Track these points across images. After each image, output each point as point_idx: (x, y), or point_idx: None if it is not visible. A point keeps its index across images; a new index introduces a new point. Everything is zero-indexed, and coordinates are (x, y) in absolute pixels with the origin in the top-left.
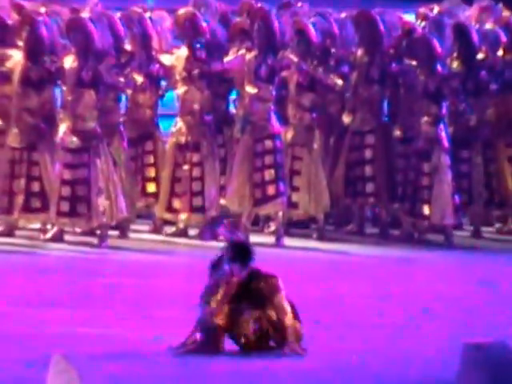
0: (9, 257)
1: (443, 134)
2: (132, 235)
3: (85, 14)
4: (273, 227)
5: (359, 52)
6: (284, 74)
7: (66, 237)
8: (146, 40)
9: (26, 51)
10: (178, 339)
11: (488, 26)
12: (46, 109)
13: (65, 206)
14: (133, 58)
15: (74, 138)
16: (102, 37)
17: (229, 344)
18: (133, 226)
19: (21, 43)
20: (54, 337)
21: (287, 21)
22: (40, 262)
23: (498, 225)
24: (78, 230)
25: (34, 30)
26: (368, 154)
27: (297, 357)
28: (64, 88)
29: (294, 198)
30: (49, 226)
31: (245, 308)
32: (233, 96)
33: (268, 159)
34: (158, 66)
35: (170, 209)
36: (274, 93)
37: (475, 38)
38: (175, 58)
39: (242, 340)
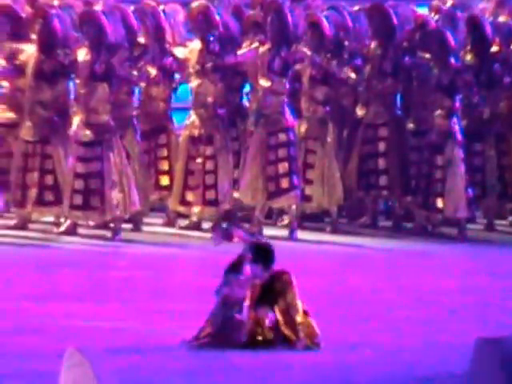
0: (22, 250)
1: (456, 127)
2: (145, 228)
3: (98, 7)
4: (286, 220)
5: (372, 45)
6: (297, 67)
7: (79, 230)
8: (159, 33)
9: (39, 44)
10: (192, 332)
11: (501, 18)
12: (59, 102)
13: (78, 200)
14: (146, 51)
15: (88, 132)
16: (114, 30)
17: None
18: (146, 219)
19: (34, 36)
20: (67, 330)
21: (300, 14)
22: (53, 255)
23: (511, 218)
24: (91, 223)
25: (47, 23)
26: (381, 146)
27: (310, 351)
28: (77, 81)
29: (308, 191)
30: (62, 220)
31: (259, 305)
32: (246, 89)
33: (282, 152)
34: (171, 59)
35: (183, 202)
36: (287, 86)
37: (488, 30)
38: (188, 51)
39: (259, 338)
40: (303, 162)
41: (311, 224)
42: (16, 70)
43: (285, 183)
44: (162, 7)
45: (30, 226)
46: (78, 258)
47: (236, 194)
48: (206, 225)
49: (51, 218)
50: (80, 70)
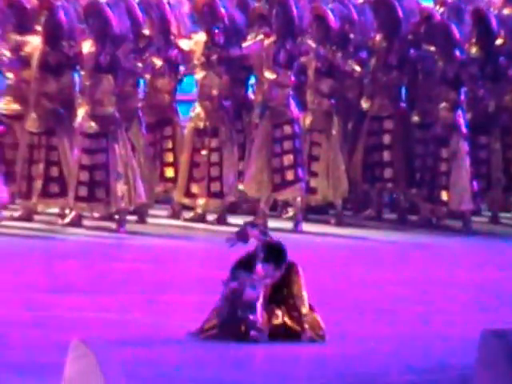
0: (27, 241)
1: (461, 120)
2: (150, 220)
3: None
4: (291, 212)
5: (378, 38)
6: (302, 59)
7: (85, 222)
8: (164, 25)
9: (45, 36)
10: (197, 324)
11: (506, 11)
12: (65, 94)
13: (83, 191)
14: (151, 43)
15: (93, 123)
16: (119, 22)
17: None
18: (151, 211)
19: (39, 28)
20: (72, 322)
21: (306, 6)
22: (58, 246)
23: None
24: (96, 214)
25: (52, 15)
26: (386, 139)
27: (315, 343)
28: (82, 73)
29: (313, 183)
30: (67, 211)
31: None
32: (252, 81)
33: (287, 144)
34: (176, 51)
35: (188, 194)
36: (292, 78)
37: (494, 23)
38: (194, 43)
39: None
40: (308, 154)
41: (316, 216)
42: (21, 61)
43: (290, 175)
44: None
45: (36, 217)
46: (83, 249)
47: (241, 186)
48: (210, 217)
49: (56, 210)
50: (85, 62)
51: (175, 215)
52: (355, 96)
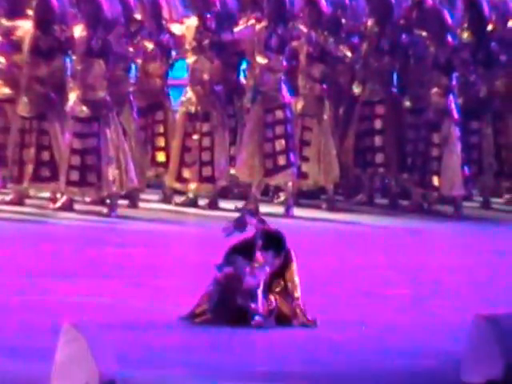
0: (19, 226)
1: (453, 105)
2: (142, 205)
3: None
4: (282, 197)
5: (369, 23)
6: (294, 44)
7: (76, 206)
8: (155, 9)
9: (36, 20)
10: (188, 309)
11: None
12: (56, 78)
13: (74, 176)
14: (142, 28)
15: (84, 108)
16: (111, 6)
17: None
18: (142, 196)
19: (31, 12)
20: (63, 306)
21: None
22: (49, 231)
23: (507, 196)
24: (87, 199)
25: (43, 0)
26: (378, 124)
27: (306, 328)
28: (74, 57)
29: (304, 168)
30: (58, 195)
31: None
32: (243, 66)
33: (279, 129)
34: (167, 35)
35: (179, 178)
36: (284, 63)
37: (485, 8)
38: (185, 27)
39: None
40: (300, 139)
41: (307, 201)
42: (12, 45)
43: (281, 160)
44: None
45: (27, 201)
46: (75, 233)
47: (232, 171)
48: (202, 201)
49: (48, 194)
50: (76, 47)
51: (167, 200)
52: (347, 81)
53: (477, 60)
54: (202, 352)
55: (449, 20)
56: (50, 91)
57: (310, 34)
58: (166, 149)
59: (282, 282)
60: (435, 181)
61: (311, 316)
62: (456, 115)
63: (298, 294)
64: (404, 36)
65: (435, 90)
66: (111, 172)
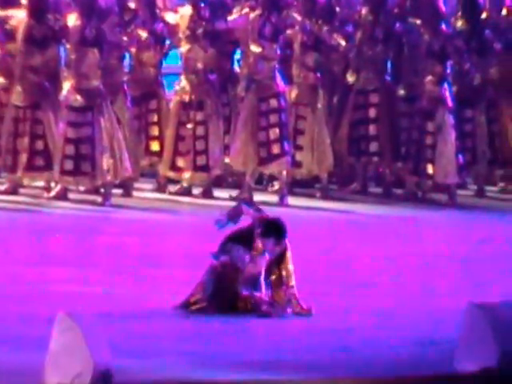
0: (13, 215)
1: (447, 94)
2: (136, 194)
3: None
4: (276, 186)
5: (364, 11)
6: (288, 32)
7: (70, 195)
8: None
9: (30, 9)
10: (182, 298)
11: None
12: (50, 67)
13: (69, 165)
14: (136, 17)
15: (78, 97)
16: None
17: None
18: (136, 185)
19: (24, 1)
20: (57, 295)
21: None
22: (44, 220)
23: (501, 184)
24: (81, 188)
25: None
26: (372, 113)
27: (301, 316)
28: (68, 46)
29: (298, 157)
30: (53, 185)
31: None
32: (237, 55)
33: (273, 118)
34: (161, 24)
35: (173, 167)
36: (278, 52)
37: None
38: (179, 16)
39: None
40: (293, 127)
41: (301, 190)
42: (6, 34)
43: (276, 149)
44: None
45: (21, 190)
46: (69, 223)
47: (227, 160)
48: (196, 190)
49: (42, 183)
50: (70, 36)
51: (161, 189)
52: (341, 70)
53: (471, 48)
54: (196, 341)
55: (443, 8)
56: (44, 80)
57: (305, 22)
58: (159, 138)
59: (277, 271)
60: (429, 169)
61: (306, 304)
62: (450, 103)
63: (292, 282)
64: (398, 24)
65: (429, 78)
66: (105, 161)
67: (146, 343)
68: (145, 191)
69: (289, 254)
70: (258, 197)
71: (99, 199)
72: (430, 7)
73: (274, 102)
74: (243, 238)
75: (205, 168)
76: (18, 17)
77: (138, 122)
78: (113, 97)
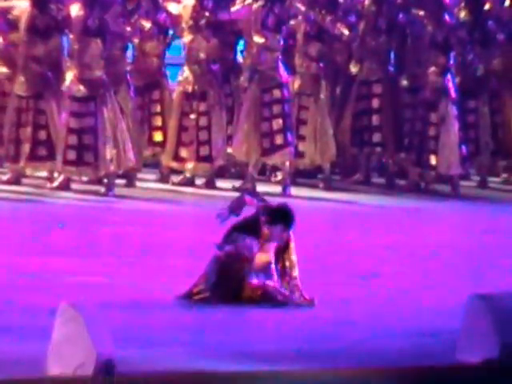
0: (15, 205)
1: (450, 85)
2: (139, 184)
3: None
4: (279, 177)
5: (367, 1)
6: (291, 23)
7: (73, 185)
8: None
9: None
10: (185, 288)
11: None
12: (53, 57)
13: (71, 155)
14: (139, 7)
15: (81, 87)
16: None
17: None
18: (139, 175)
19: None
20: (60, 285)
21: None
22: (46, 210)
23: (504, 175)
24: (84, 178)
25: None
26: (375, 103)
27: (304, 307)
28: (71, 37)
29: (301, 147)
30: (55, 175)
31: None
32: (241, 46)
33: (276, 109)
34: (164, 14)
35: (176, 158)
36: (281, 42)
37: None
38: (182, 6)
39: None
40: (296, 118)
41: (304, 180)
42: (9, 24)
43: (279, 139)
44: None
45: (24, 180)
46: (72, 213)
47: (229, 150)
48: (199, 181)
49: (45, 173)
50: (73, 26)
51: (164, 179)
52: (344, 60)
53: (474, 39)
54: (199, 331)
55: None
56: (47, 70)
57: (309, 12)
58: (162, 128)
59: (281, 261)
60: (432, 160)
61: (308, 295)
62: (453, 94)
63: (295, 273)
64: (401, 15)
65: (432, 69)
66: (108, 151)
67: (149, 333)
68: (148, 181)
69: (292, 245)
70: (260, 187)
71: (102, 189)
72: None
73: (277, 93)
74: (249, 227)
75: (208, 158)
76: (21, 7)
77: (141, 112)
78: (116, 87)
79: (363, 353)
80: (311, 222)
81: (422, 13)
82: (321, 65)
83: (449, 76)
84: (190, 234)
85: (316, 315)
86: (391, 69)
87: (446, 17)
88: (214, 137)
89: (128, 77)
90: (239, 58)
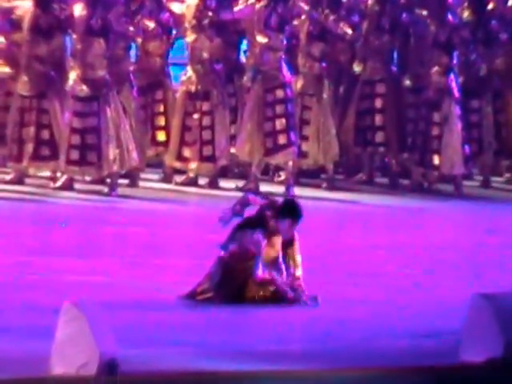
0: (18, 205)
1: (453, 84)
2: (142, 184)
3: None
4: (283, 176)
5: (370, 1)
6: (295, 23)
7: (76, 185)
8: None
9: None
10: (188, 287)
11: None
12: (56, 57)
13: (75, 155)
14: (143, 6)
15: (84, 87)
16: None
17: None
18: (142, 175)
19: None
20: (64, 285)
21: None
22: (49, 210)
23: (507, 175)
24: (87, 178)
25: None
26: (378, 103)
27: (308, 307)
28: (74, 36)
29: (304, 147)
30: (59, 174)
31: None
32: (244, 45)
33: (279, 108)
34: (168, 14)
35: (180, 157)
36: (284, 42)
37: None
38: (185, 6)
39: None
40: (299, 118)
41: (308, 180)
42: (12, 24)
43: (282, 139)
44: None
45: (27, 180)
46: (75, 213)
47: (233, 150)
48: (202, 181)
49: (48, 173)
50: (76, 25)
51: (167, 179)
52: (347, 60)
53: (477, 39)
54: (202, 331)
55: None
56: (50, 70)
57: (311, 11)
58: (166, 128)
59: (285, 260)
60: (435, 160)
61: (312, 295)
62: (456, 94)
63: (299, 272)
64: (404, 15)
65: (435, 68)
66: (111, 151)
67: (152, 333)
68: (151, 181)
69: (297, 245)
70: (264, 187)
71: (105, 189)
72: None
73: (280, 93)
74: (254, 223)
75: (211, 158)
76: (24, 6)
77: (144, 112)
78: (119, 87)
79: (365, 352)
80: (314, 222)
81: (425, 12)
82: (324, 65)
83: (452, 76)
84: (193, 233)
85: (319, 315)
86: (394, 68)
87: (449, 16)
88: (217, 137)
89: (131, 76)
90: (242, 58)
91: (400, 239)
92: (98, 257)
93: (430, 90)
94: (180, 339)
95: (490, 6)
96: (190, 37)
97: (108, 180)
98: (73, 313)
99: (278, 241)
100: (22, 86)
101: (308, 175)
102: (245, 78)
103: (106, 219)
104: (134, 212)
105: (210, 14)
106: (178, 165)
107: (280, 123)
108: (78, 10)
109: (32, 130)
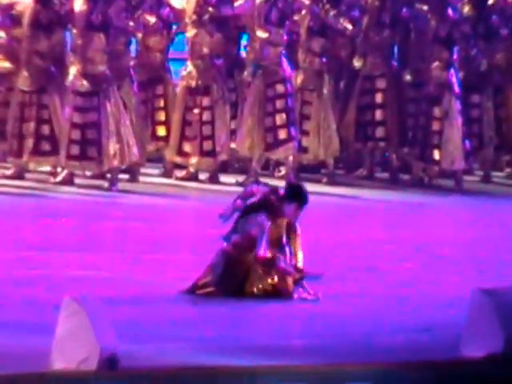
0: (18, 200)
1: (454, 79)
2: (142, 179)
3: None
4: (283, 171)
5: None
6: (295, 18)
7: (76, 180)
8: None
9: None
10: (188, 282)
11: None
12: (56, 52)
13: (75, 150)
14: (143, 1)
15: (84, 82)
16: None
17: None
18: (143, 170)
19: None
20: (64, 280)
21: None
22: (50, 205)
23: (508, 169)
24: (88, 173)
25: None
26: (379, 98)
27: (308, 301)
28: (74, 31)
29: (304, 142)
30: (59, 169)
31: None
32: (244, 40)
33: (279, 103)
34: (168, 9)
35: (180, 152)
36: (284, 37)
37: None
38: (186, 1)
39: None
40: (299, 113)
41: (308, 175)
42: (12, 19)
43: (282, 134)
44: None
45: (27, 175)
46: (75, 208)
47: (233, 145)
48: (202, 175)
49: (48, 168)
50: (77, 21)
51: (167, 174)
52: (347, 55)
53: (477, 34)
54: (203, 326)
55: None
56: (50, 65)
57: (312, 6)
58: (166, 123)
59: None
60: (436, 155)
61: (313, 289)
62: (457, 89)
63: (300, 265)
64: (405, 10)
65: (436, 63)
66: (112, 146)
67: (153, 328)
68: (151, 176)
69: (299, 240)
70: None
71: (106, 184)
72: None
73: (280, 88)
74: (258, 208)
75: (211, 153)
76: (25, 2)
77: (145, 107)
78: (119, 82)
79: (365, 347)
80: (314, 217)
81: (425, 7)
82: (324, 60)
83: (452, 71)
84: (194, 228)
85: (319, 310)
86: (395, 63)
87: (450, 11)
88: (217, 132)
89: (131, 71)
90: (243, 53)
91: (400, 234)
92: (98, 252)
93: (431, 85)
94: (181, 334)
95: (491, 1)
96: (191, 32)
97: (108, 175)
98: (73, 308)
99: (282, 223)
100: (23, 82)
101: (308, 170)
102: (245, 73)
103: (106, 214)
104: (134, 207)
105: (211, 9)
106: (178, 160)
107: (280, 118)
108: (79, 5)
109: (32, 125)
